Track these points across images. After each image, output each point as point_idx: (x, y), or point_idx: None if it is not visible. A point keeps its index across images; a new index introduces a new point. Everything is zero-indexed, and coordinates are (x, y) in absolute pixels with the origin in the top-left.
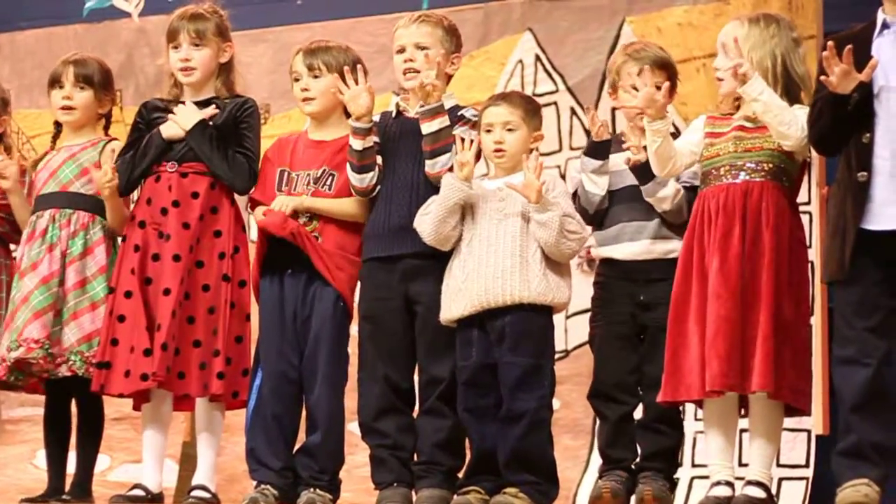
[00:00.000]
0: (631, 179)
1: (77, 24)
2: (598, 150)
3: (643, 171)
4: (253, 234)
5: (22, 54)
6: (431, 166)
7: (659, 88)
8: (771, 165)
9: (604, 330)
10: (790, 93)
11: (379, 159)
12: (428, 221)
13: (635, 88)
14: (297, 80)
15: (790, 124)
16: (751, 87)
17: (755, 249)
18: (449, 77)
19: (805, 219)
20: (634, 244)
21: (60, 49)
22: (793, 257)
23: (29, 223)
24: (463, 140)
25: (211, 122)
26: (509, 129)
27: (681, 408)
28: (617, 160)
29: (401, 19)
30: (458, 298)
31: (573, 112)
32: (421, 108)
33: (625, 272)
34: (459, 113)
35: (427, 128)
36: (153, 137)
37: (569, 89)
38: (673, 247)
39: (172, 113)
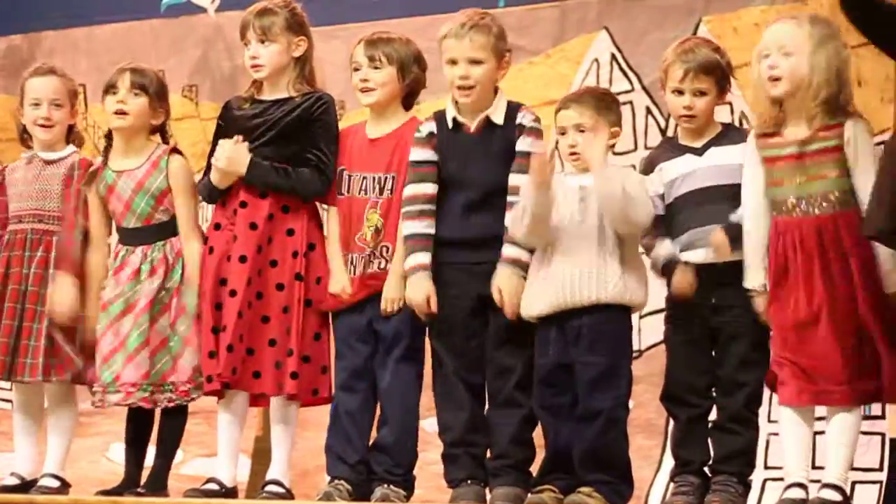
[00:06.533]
0: (693, 184)
1: (154, 19)
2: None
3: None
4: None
5: (99, 49)
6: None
7: (703, 94)
8: (838, 194)
9: (676, 331)
10: (839, 102)
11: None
12: (522, 231)
13: (680, 92)
14: (356, 69)
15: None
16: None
17: (843, 276)
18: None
19: None
20: (707, 249)
21: (138, 44)
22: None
23: (116, 256)
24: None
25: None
26: (581, 131)
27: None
28: (677, 165)
29: (450, 27)
30: (538, 297)
31: (648, 111)
32: None
33: (696, 274)
34: (518, 122)
35: None
36: (207, 187)
37: (644, 88)
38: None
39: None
